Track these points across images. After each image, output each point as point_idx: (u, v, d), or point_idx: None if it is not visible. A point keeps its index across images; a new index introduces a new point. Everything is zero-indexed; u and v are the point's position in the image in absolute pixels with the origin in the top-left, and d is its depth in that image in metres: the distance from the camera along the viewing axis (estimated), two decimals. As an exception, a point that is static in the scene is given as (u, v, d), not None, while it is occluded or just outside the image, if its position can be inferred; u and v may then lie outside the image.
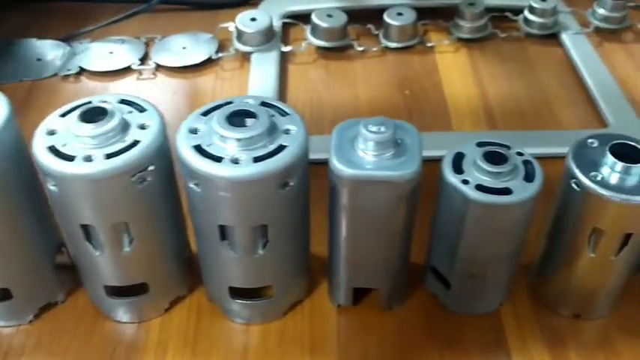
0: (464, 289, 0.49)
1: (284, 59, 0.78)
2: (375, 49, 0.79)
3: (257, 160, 0.40)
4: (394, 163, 0.42)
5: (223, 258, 0.45)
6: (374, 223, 0.44)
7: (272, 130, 0.42)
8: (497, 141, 0.46)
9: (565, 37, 0.80)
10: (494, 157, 0.44)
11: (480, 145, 0.46)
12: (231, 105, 0.43)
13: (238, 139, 0.41)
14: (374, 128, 0.42)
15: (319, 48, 0.79)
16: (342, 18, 0.78)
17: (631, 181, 0.43)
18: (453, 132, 0.68)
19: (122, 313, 0.50)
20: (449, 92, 0.73)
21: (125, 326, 0.50)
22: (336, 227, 0.45)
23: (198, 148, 0.41)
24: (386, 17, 0.78)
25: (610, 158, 0.43)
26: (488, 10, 0.82)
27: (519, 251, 0.48)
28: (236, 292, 0.48)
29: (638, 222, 0.44)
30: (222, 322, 0.50)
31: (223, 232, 0.44)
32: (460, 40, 0.81)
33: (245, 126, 0.42)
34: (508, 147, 0.46)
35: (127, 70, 0.77)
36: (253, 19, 0.77)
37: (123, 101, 0.45)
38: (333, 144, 0.43)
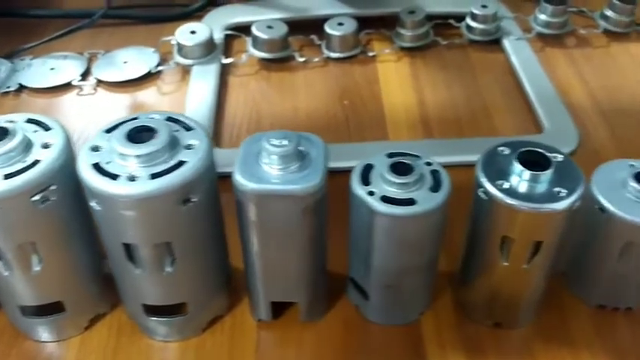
0: (381, 300, 0.49)
1: (225, 72, 0.77)
2: (316, 59, 0.79)
3: (154, 176, 0.40)
4: (297, 176, 0.42)
5: (132, 275, 0.45)
6: (282, 237, 0.44)
7: (173, 146, 0.42)
8: (408, 151, 0.46)
9: (506, 43, 0.80)
10: (401, 168, 0.44)
11: (390, 156, 0.46)
12: (134, 121, 0.43)
13: (137, 156, 0.41)
14: (276, 142, 0.42)
15: (261, 59, 0.79)
16: (283, 29, 0.78)
17: (540, 188, 0.43)
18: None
19: (40, 332, 0.49)
20: (387, 101, 0.73)
21: (44, 345, 0.50)
22: (246, 242, 0.45)
23: (97, 166, 0.41)
24: (327, 28, 0.78)
25: (517, 167, 0.43)
26: (431, 17, 0.82)
27: (434, 261, 0.48)
28: (151, 310, 0.47)
29: (547, 230, 0.44)
30: (141, 340, 0.50)
31: (129, 249, 0.43)
32: (403, 48, 0.81)
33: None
34: (418, 157, 0.46)
35: (67, 86, 0.76)
36: (193, 32, 0.77)
37: (30, 120, 0.45)
38: (238, 158, 0.43)
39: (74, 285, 0.48)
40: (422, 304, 0.51)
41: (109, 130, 0.43)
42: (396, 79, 0.76)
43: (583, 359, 0.48)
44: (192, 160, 0.41)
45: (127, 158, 0.41)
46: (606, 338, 0.49)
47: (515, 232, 0.43)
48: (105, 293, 0.51)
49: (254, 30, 0.77)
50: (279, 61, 0.79)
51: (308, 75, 0.78)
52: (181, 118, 0.44)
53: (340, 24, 0.78)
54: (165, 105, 0.73)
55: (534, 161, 0.44)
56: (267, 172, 0.42)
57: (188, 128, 0.44)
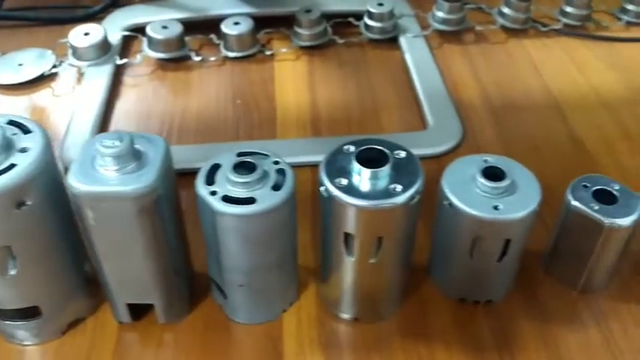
0: (238, 299, 0.49)
1: (120, 72, 0.77)
2: (213, 58, 0.79)
3: (-18, 180, 0.40)
4: (131, 177, 0.42)
5: (-24, 279, 0.44)
6: (122, 239, 0.44)
7: (6, 149, 0.41)
8: (258, 150, 0.47)
9: (403, 41, 0.81)
10: (245, 167, 0.44)
11: (239, 155, 0.46)
12: (-30, 125, 0.43)
13: (-33, 161, 0.40)
14: (108, 143, 0.41)
15: (158, 60, 0.79)
16: (178, 29, 0.77)
17: (379, 185, 0.43)
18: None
19: None
20: (280, 101, 0.73)
21: None
22: (89, 244, 0.45)
23: None
24: (223, 27, 0.78)
25: (356, 165, 0.44)
26: (329, 16, 0.82)
27: (289, 258, 0.48)
28: (4, 313, 0.47)
29: (385, 226, 0.44)
30: (0, 345, 0.49)
31: (-29, 253, 0.43)
32: (302, 47, 0.81)
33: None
34: (267, 156, 0.46)
35: (-41, 89, 0.75)
36: (87, 34, 0.76)
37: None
38: (75, 162, 0.43)
39: None
40: (284, 301, 0.51)
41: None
42: (291, 79, 0.77)
43: (438, 353, 0.49)
44: (24, 164, 0.41)
45: (-40, 163, 0.40)
46: (464, 332, 0.50)
47: (354, 229, 0.44)
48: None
49: (148, 30, 0.77)
50: (175, 61, 0.79)
51: (204, 75, 0.78)
52: (22, 121, 0.44)
53: (236, 23, 0.78)
54: (60, 107, 0.73)
55: (376, 159, 0.44)
56: (103, 174, 0.42)
57: (27, 131, 0.43)
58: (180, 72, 0.78)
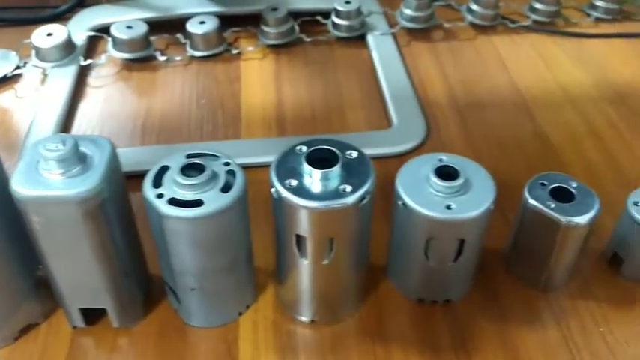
0: (192, 302, 0.48)
1: (84, 73, 0.76)
2: (179, 58, 0.78)
3: None
4: (75, 180, 0.41)
5: None
6: (68, 243, 0.43)
7: (-54, 154, 0.41)
8: (209, 152, 0.46)
9: (370, 39, 0.80)
10: (194, 169, 0.44)
11: (189, 156, 0.45)
12: None
13: None
14: (51, 146, 0.41)
15: (124, 60, 0.78)
16: (142, 29, 0.77)
17: (330, 186, 0.43)
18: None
19: None
20: (245, 100, 0.73)
21: None
22: (37, 248, 0.44)
23: None
24: (188, 26, 0.78)
25: (306, 166, 0.43)
26: (297, 14, 0.81)
27: (242, 261, 0.48)
28: (-47, 320, 0.46)
29: (336, 227, 0.44)
30: (-48, 352, 0.49)
31: None
32: (269, 46, 0.80)
33: None
34: (217, 157, 0.46)
35: None
36: (50, 35, 0.75)
37: None
38: (18, 167, 0.42)
39: None
40: (240, 304, 0.50)
41: None
42: (258, 78, 0.76)
43: (394, 354, 0.48)
44: (-36, 168, 0.40)
45: None
46: (421, 332, 0.50)
47: (305, 230, 0.43)
48: None
49: (113, 30, 0.76)
50: (140, 61, 0.78)
51: (169, 74, 0.77)
52: (-35, 125, 0.43)
53: (202, 22, 0.78)
54: (25, 108, 0.72)
55: (328, 159, 0.44)
56: (47, 178, 0.41)
57: (-30, 135, 0.43)
58: (145, 72, 0.77)
